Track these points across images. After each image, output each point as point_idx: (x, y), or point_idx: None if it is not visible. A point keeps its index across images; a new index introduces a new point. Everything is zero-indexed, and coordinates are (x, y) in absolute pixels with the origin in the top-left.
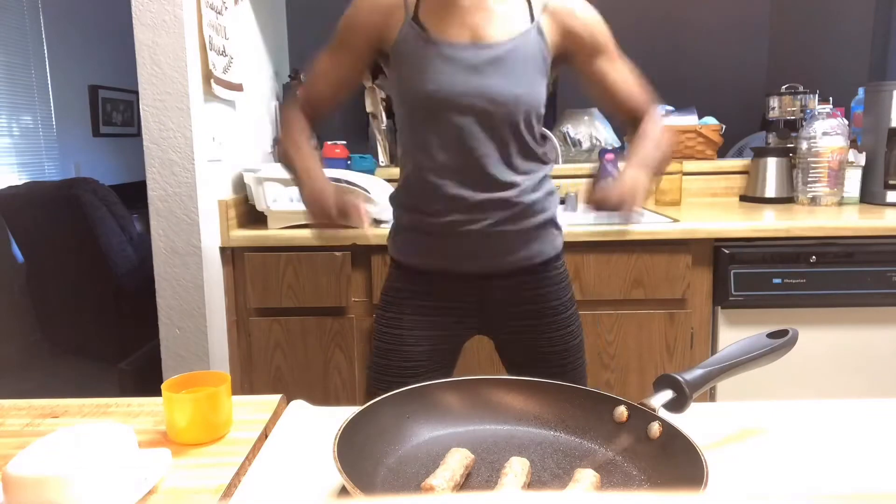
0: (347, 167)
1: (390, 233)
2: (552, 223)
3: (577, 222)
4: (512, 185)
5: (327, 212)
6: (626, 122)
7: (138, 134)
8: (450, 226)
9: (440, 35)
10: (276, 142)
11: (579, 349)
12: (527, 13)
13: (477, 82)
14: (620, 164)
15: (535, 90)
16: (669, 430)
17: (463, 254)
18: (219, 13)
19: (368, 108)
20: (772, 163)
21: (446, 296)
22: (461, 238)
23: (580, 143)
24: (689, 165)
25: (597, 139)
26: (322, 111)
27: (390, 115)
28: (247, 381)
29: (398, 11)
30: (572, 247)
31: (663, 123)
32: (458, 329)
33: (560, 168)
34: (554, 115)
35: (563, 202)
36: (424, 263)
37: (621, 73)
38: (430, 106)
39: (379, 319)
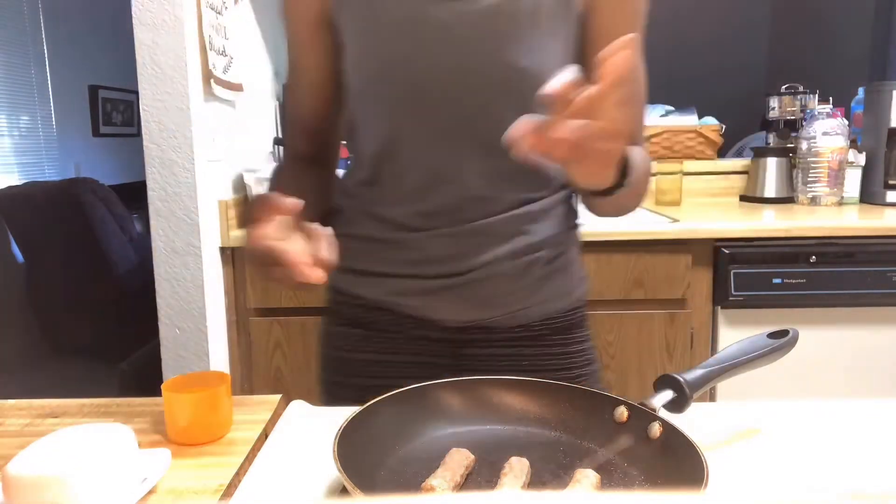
0: None
1: None
2: (570, 267)
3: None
4: (504, 211)
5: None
6: None
7: (138, 134)
8: (406, 264)
9: None
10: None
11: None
12: None
13: (452, 53)
14: None
15: (548, 61)
16: (670, 431)
17: (435, 300)
18: (219, 13)
19: None
20: (772, 163)
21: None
22: (426, 280)
23: None
24: (689, 165)
25: None
26: (325, 128)
27: None
28: (247, 381)
29: None
30: None
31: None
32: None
33: None
34: None
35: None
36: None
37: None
38: (376, 94)
39: None
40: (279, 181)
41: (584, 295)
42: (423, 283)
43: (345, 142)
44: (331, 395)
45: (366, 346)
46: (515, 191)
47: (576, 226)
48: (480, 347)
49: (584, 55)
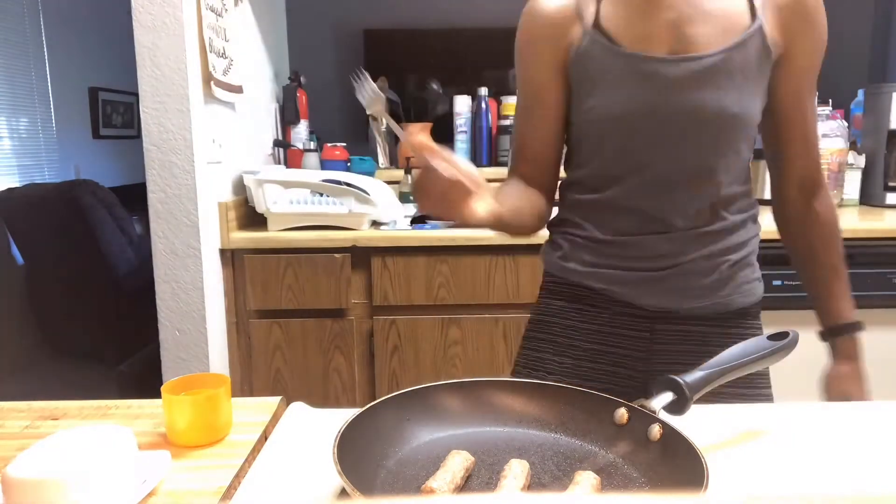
0: (347, 169)
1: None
2: (752, 267)
3: None
4: (714, 222)
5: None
6: (785, 197)
7: (138, 136)
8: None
9: (630, 44)
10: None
11: None
12: (746, 7)
13: (680, 101)
14: None
15: (752, 107)
16: (670, 432)
17: (631, 282)
18: (219, 15)
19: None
20: None
21: (604, 329)
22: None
23: None
24: None
25: None
26: (549, 155)
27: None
28: (246, 383)
29: (573, 21)
30: None
31: (835, 216)
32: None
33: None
34: None
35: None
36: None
37: (812, 118)
38: (619, 132)
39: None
40: (504, 191)
41: (761, 291)
42: (632, 274)
43: (568, 166)
44: (531, 350)
45: (575, 315)
46: (714, 213)
47: (756, 236)
48: (672, 324)
49: (772, 91)
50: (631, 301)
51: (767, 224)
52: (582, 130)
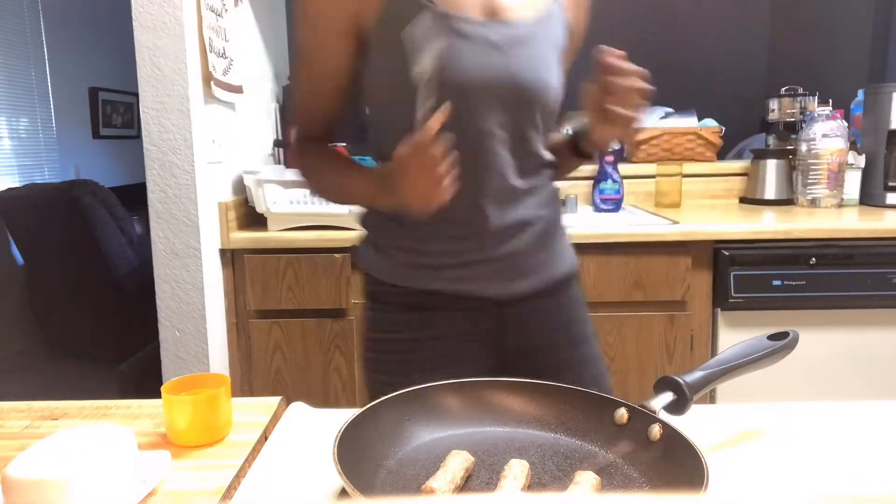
0: None
1: (365, 249)
2: (565, 236)
3: (577, 224)
4: (531, 193)
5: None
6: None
7: (138, 136)
8: (458, 254)
9: (448, 8)
10: (307, 185)
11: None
12: None
13: (501, 62)
14: (620, 167)
15: (558, 77)
16: (670, 432)
17: (474, 276)
18: (219, 15)
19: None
20: (771, 165)
21: (454, 329)
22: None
23: None
24: (689, 167)
25: None
26: (334, 129)
27: None
28: (246, 383)
29: None
30: None
31: None
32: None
33: None
34: None
35: (563, 204)
36: (424, 287)
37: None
38: (437, 91)
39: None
40: (321, 160)
41: (574, 255)
42: (477, 268)
43: (372, 150)
44: (379, 374)
45: (421, 323)
46: (529, 179)
47: (562, 205)
48: (514, 305)
49: None
50: (479, 294)
51: (767, 224)
52: (396, 95)
